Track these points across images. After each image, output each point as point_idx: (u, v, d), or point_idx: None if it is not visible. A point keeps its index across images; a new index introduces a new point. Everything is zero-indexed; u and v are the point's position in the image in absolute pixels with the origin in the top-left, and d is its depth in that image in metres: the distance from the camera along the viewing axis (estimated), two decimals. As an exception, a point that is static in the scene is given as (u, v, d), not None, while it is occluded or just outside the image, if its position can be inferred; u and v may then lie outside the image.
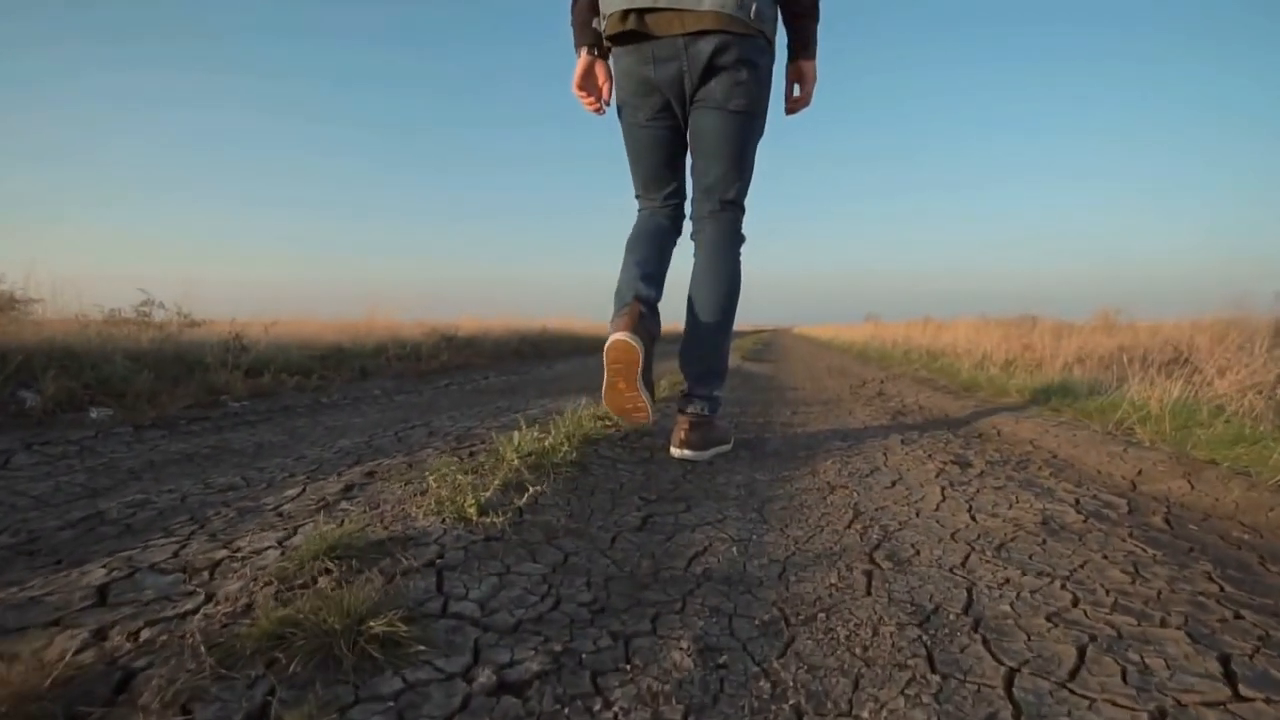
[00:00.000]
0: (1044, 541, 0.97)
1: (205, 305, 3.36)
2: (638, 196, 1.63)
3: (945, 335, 7.45)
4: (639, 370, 1.39)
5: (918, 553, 0.93)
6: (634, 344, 1.36)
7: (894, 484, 1.35)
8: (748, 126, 1.47)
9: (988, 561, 0.90)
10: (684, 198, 1.61)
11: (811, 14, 1.48)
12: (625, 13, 1.37)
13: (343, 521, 0.91)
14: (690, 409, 1.54)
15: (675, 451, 1.52)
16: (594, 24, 1.46)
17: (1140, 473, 1.41)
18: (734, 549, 0.96)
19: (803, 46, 1.52)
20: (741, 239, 1.57)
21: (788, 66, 1.57)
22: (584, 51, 1.50)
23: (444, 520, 0.93)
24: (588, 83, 1.52)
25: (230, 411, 2.35)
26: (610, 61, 1.52)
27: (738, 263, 1.55)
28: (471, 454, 1.46)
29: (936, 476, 1.39)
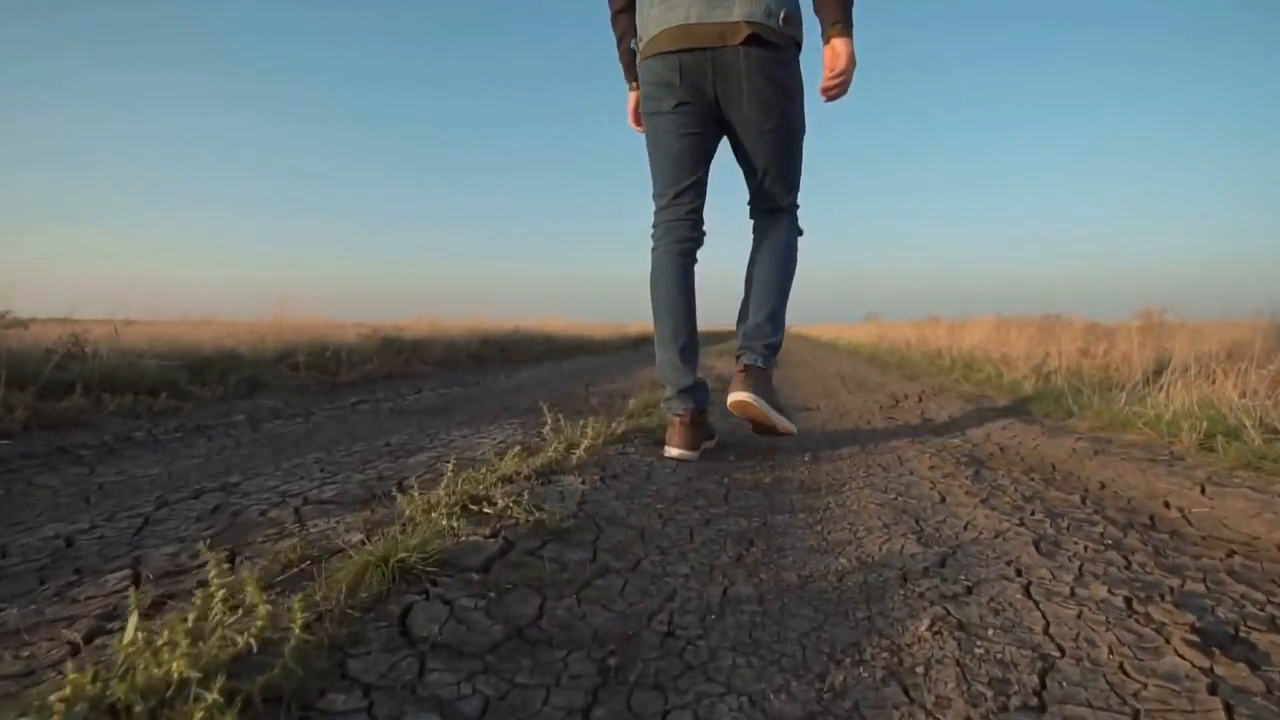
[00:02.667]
0: None
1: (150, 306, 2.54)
2: (657, 198, 1.57)
3: (965, 336, 6.65)
4: None
5: None
6: (693, 455, 1.51)
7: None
8: (786, 134, 1.49)
9: None
10: (703, 200, 1.56)
11: None
12: (661, 34, 1.41)
13: None
14: (745, 361, 1.55)
15: (731, 397, 1.53)
16: (631, 45, 1.55)
17: None
18: None
19: (830, 23, 1.40)
20: (799, 232, 1.62)
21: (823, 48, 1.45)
22: (635, 86, 1.61)
23: None
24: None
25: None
26: (640, 67, 1.53)
27: (795, 248, 1.60)
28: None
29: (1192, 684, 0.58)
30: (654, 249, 1.54)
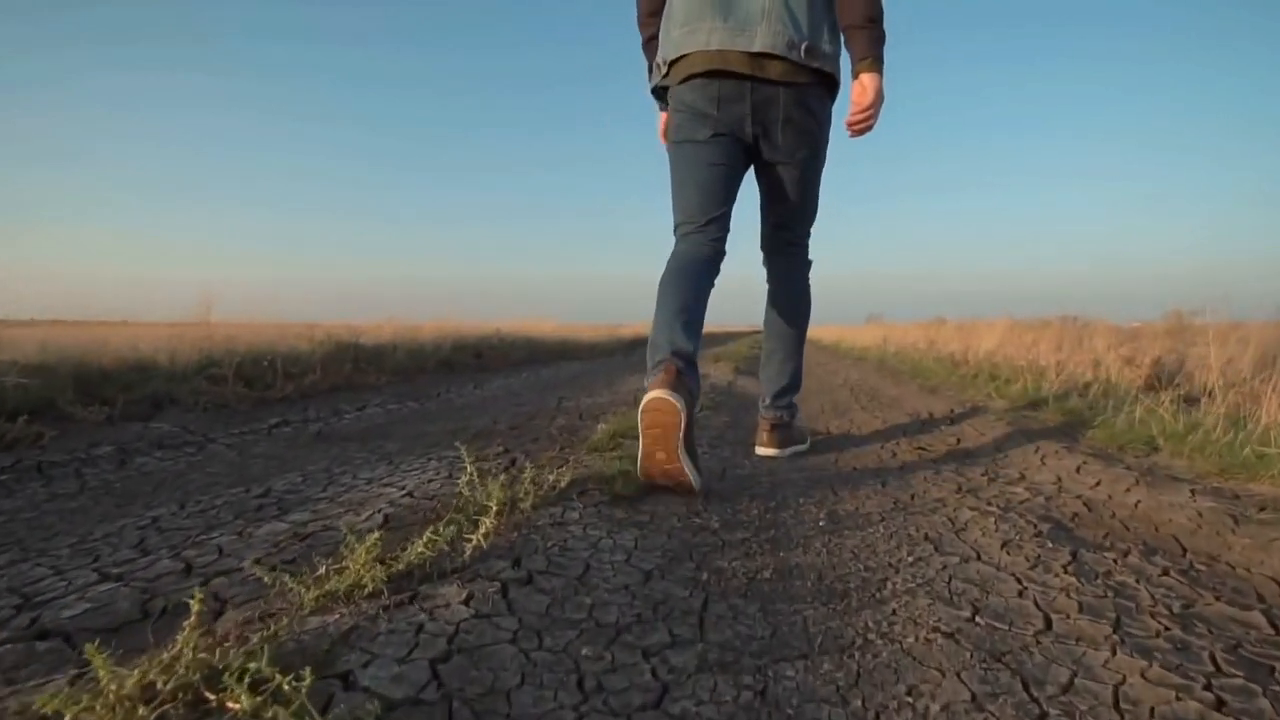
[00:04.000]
0: None
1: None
2: (679, 225, 1.50)
3: (979, 340, 6.20)
4: (679, 434, 1.20)
5: None
6: (675, 402, 1.19)
7: None
8: (811, 170, 1.51)
9: None
10: (727, 230, 1.51)
11: (865, 25, 1.35)
12: (683, 58, 1.40)
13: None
14: (770, 415, 1.70)
15: (759, 450, 1.71)
16: (656, 65, 1.50)
17: None
18: None
19: (859, 58, 1.37)
20: (809, 265, 1.69)
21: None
22: (664, 107, 1.58)
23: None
24: None
25: None
26: (667, 93, 1.51)
27: (808, 288, 1.69)
28: None
29: None
30: (674, 254, 1.48)
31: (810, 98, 1.41)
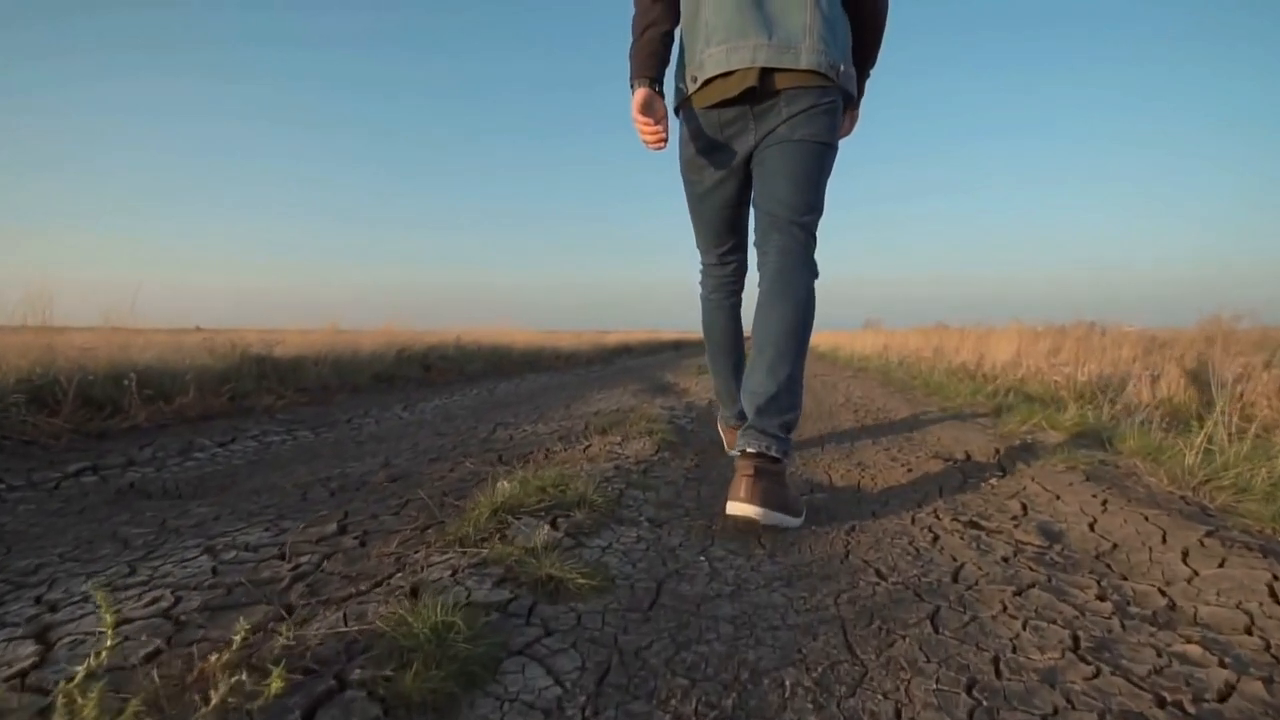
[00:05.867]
0: None
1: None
2: (702, 252, 1.62)
3: (992, 348, 5.61)
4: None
5: None
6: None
7: None
8: (815, 153, 1.32)
9: None
10: (746, 253, 1.58)
11: (866, 72, 1.50)
12: (719, 77, 1.30)
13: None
14: (750, 448, 1.18)
15: (733, 507, 1.15)
16: (680, 82, 1.41)
17: None
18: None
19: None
20: (813, 265, 1.35)
21: None
22: (643, 84, 1.34)
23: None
24: (651, 110, 1.33)
25: None
26: (679, 119, 1.46)
27: (808, 286, 1.32)
28: None
29: None
30: (704, 296, 1.66)
31: (823, 97, 1.30)
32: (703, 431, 2.32)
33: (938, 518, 1.25)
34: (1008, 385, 3.47)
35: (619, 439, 1.98)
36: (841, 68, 1.30)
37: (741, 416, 1.34)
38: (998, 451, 1.78)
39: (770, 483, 1.15)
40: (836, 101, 1.31)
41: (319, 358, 3.62)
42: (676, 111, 1.45)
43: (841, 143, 1.41)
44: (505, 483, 1.33)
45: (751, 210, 1.44)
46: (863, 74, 1.50)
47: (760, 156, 1.36)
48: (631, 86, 1.36)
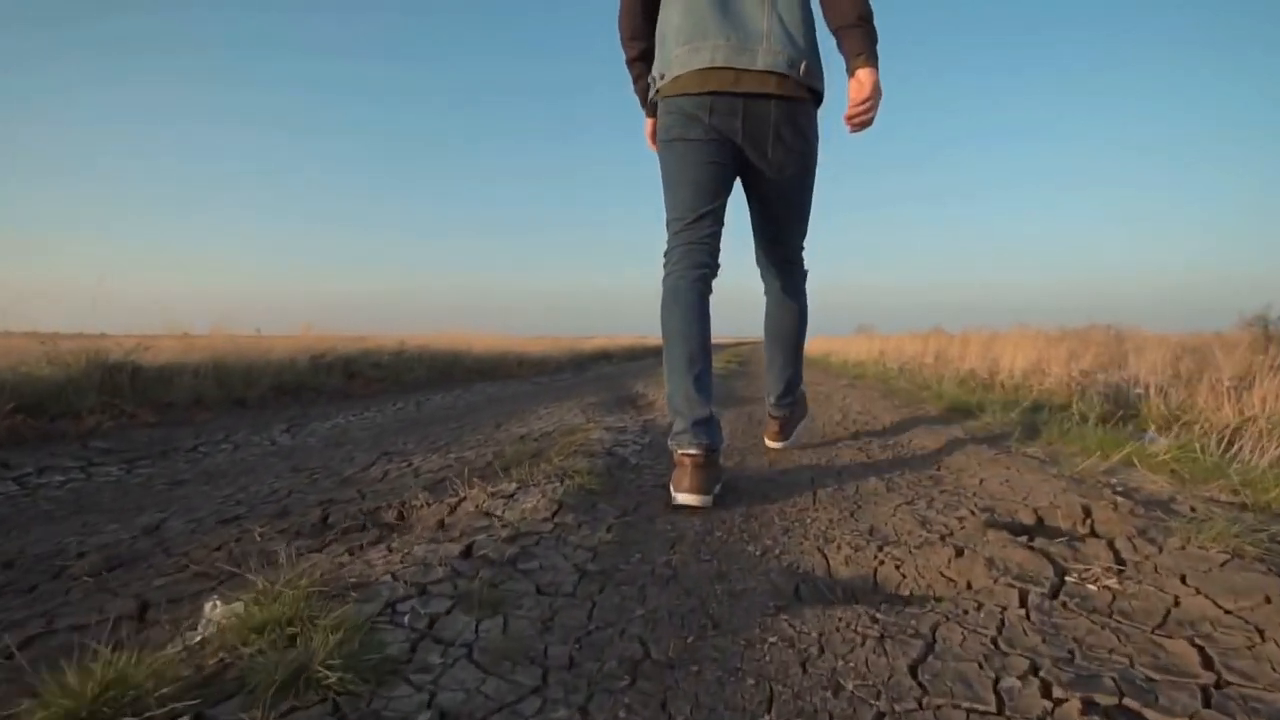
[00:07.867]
0: None
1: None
2: (673, 223, 1.46)
3: (1004, 354, 5.00)
4: None
5: None
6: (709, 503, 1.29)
7: None
8: (802, 185, 1.52)
9: None
10: (721, 228, 1.48)
11: (858, 24, 1.35)
12: (687, 75, 1.36)
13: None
14: (777, 412, 1.84)
15: (768, 442, 1.89)
16: (648, 80, 1.48)
17: None
18: None
19: (854, 54, 1.36)
20: (805, 276, 1.72)
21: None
22: (651, 114, 1.57)
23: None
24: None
25: None
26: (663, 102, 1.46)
27: (804, 298, 1.73)
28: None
29: None
30: (668, 275, 1.44)
31: (801, 114, 1.40)
32: (650, 465, 1.69)
33: (1048, 693, 0.61)
34: (1034, 397, 2.86)
35: (515, 486, 1.33)
36: (804, 64, 1.35)
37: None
38: (1087, 514, 1.14)
39: (788, 427, 1.89)
40: (807, 107, 1.40)
41: (200, 367, 2.95)
42: (654, 105, 1.48)
43: (854, 138, 1.43)
44: (201, 626, 0.68)
45: (752, 235, 1.65)
46: (856, 31, 1.34)
47: (755, 185, 1.50)
48: (647, 115, 1.61)
